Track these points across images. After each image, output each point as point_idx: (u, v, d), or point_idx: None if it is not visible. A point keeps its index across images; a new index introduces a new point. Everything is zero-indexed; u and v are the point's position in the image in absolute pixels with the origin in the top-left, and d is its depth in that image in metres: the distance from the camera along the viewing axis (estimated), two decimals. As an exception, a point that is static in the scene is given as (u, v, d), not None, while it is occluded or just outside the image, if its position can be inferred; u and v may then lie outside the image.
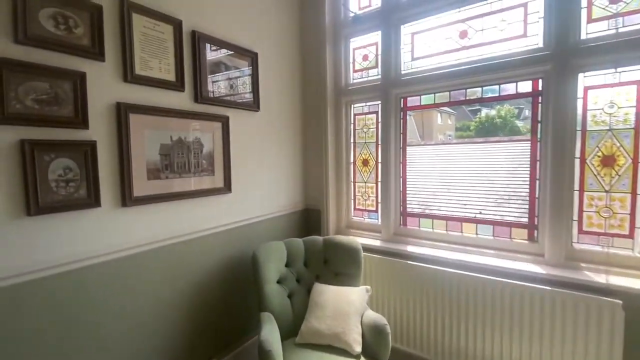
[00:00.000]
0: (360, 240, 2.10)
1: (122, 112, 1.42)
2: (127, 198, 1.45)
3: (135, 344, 1.53)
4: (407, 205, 2.21)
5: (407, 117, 2.18)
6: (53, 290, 1.25)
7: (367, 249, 2.12)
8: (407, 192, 2.20)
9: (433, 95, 2.05)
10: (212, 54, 1.81)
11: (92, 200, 1.35)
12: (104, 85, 1.37)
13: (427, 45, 2.05)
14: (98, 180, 1.35)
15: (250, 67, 2.05)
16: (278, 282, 1.89)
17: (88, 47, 1.31)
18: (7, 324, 1.14)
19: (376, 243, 2.20)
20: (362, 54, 2.35)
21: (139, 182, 1.50)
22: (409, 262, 1.96)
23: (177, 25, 1.62)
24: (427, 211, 2.14)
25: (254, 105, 2.09)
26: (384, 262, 2.05)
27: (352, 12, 2.31)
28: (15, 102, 1.14)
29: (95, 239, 1.37)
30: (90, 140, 1.33)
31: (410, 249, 2.06)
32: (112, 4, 1.39)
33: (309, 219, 2.56)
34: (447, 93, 2.00)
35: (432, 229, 2.10)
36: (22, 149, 1.15)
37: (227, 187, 1.93)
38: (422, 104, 2.12)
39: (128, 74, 1.43)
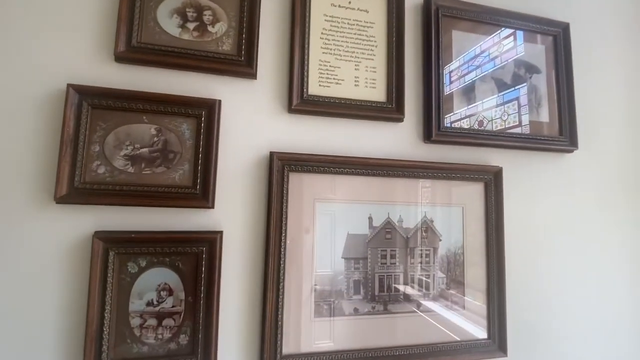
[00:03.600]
0: None
1: (275, 171, 0.68)
2: (271, 358, 0.64)
3: None
4: None
5: None
6: None
7: None
8: None
9: None
10: (461, 40, 0.85)
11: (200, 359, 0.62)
12: (248, 122, 0.71)
13: None
14: (216, 317, 0.63)
15: (554, 56, 0.90)
16: None
17: (230, 56, 0.70)
18: None
19: None
20: None
21: (296, 324, 0.67)
22: None
23: (392, -6, 0.80)
24: None
25: (561, 138, 0.89)
26: None
27: None
28: (99, 163, 0.62)
29: None
30: (212, 230, 0.66)
31: None
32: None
33: None
34: None
35: None
36: (94, 250, 0.59)
37: (496, 343, 0.77)
38: None
39: (295, 97, 0.71)
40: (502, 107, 0.86)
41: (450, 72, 0.83)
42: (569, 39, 0.92)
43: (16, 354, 0.57)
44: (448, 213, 0.79)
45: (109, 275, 0.59)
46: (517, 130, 0.86)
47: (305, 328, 0.67)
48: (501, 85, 0.86)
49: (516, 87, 0.88)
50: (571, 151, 0.89)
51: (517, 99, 0.87)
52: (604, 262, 0.91)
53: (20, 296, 0.58)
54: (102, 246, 0.60)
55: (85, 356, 0.57)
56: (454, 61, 0.84)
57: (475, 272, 0.79)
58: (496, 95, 0.86)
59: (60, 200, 0.58)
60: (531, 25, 0.89)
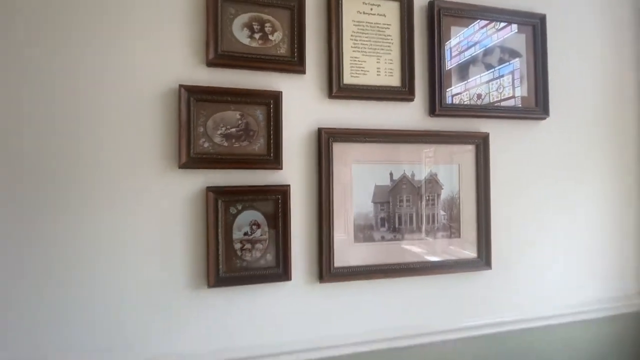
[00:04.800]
0: None
1: (323, 142, 0.95)
2: (324, 269, 0.95)
3: None
4: None
5: None
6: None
7: None
8: None
9: None
10: (458, 35, 1.09)
11: (281, 270, 0.93)
12: (302, 107, 0.97)
13: None
14: (289, 242, 0.93)
15: (533, 42, 1.14)
16: None
17: (286, 57, 0.95)
18: None
19: None
20: None
21: (342, 246, 0.97)
22: None
23: (404, -1, 1.03)
24: None
25: (536, 109, 1.14)
26: None
27: None
28: (203, 140, 0.89)
29: (279, 328, 0.93)
30: (282, 184, 0.94)
31: None
32: (319, -9, 0.99)
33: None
34: None
35: None
36: (206, 199, 0.88)
37: (483, 260, 1.08)
38: None
39: (334, 86, 0.97)
40: (498, 80, 1.11)
41: (450, 60, 1.08)
42: (545, 28, 1.14)
43: (157, 272, 0.87)
44: (448, 169, 1.07)
45: (219, 215, 0.89)
46: (510, 102, 1.11)
47: (348, 249, 0.97)
48: (489, 68, 1.11)
49: (509, 63, 1.12)
50: (544, 118, 1.15)
51: (512, 72, 1.12)
52: (570, 203, 1.20)
53: (160, 231, 0.87)
54: (213, 196, 0.88)
55: (209, 269, 0.87)
56: (453, 51, 1.08)
57: (469, 210, 1.08)
58: (492, 70, 1.10)
59: (182, 166, 0.86)
60: (514, 18, 1.12)
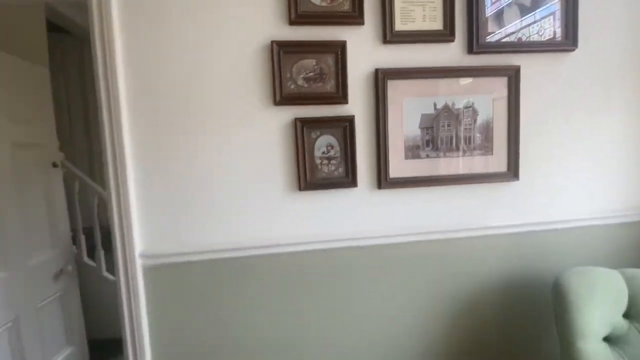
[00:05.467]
0: None
1: (379, 80, 1.22)
2: (382, 179, 1.26)
3: (377, 345, 1.34)
4: None
5: None
6: (299, 263, 1.27)
7: None
8: None
9: None
10: (496, -21, 1.25)
11: (350, 179, 1.25)
12: (362, 52, 1.22)
13: None
14: (355, 158, 1.24)
15: (564, -21, 1.27)
16: (606, 339, 1.08)
17: (348, 12, 1.20)
18: (269, 286, 1.26)
19: None
20: None
21: (395, 162, 1.26)
22: None
23: (447, -48, 1.21)
24: None
25: (566, 41, 1.30)
26: None
27: None
28: (290, 83, 1.20)
29: (349, 221, 1.28)
30: (348, 115, 1.23)
31: None
32: (373, -46, 1.20)
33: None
34: None
35: None
36: (295, 128, 1.21)
37: (512, 173, 1.32)
38: None
39: (387, 33, 1.21)
40: (532, 16, 1.27)
41: (487, 4, 1.25)
42: (579, -38, 1.26)
43: (263, 181, 1.22)
44: (483, 98, 1.29)
45: (304, 139, 1.21)
46: (539, 38, 1.28)
47: (400, 164, 1.27)
48: (523, 10, 1.27)
49: (547, 6, 1.27)
50: (573, 50, 1.30)
51: (553, 13, 1.27)
52: (594, 125, 1.37)
53: (263, 151, 1.22)
54: (299, 125, 1.21)
55: (299, 178, 1.22)
56: (489, -6, 1.25)
57: (501, 132, 1.30)
58: (527, 15, 1.27)
59: (277, 103, 1.19)
60: (549, -43, 1.25)
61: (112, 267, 2.33)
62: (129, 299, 1.18)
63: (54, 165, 1.94)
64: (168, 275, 1.20)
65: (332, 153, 1.24)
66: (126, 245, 1.16)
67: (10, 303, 1.58)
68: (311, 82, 1.21)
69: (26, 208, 1.70)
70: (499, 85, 1.29)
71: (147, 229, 1.18)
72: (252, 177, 1.22)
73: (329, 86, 1.22)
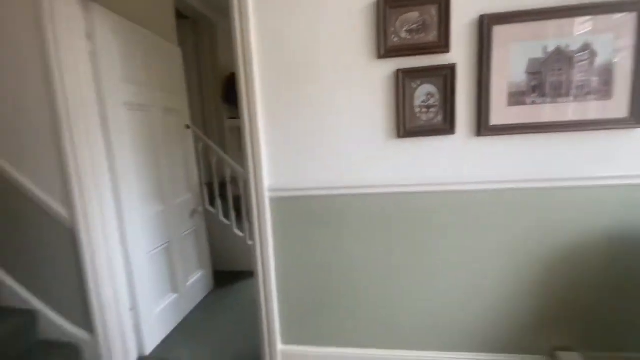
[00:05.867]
0: None
1: (484, 27, 1.23)
2: (482, 126, 1.30)
3: (469, 291, 1.42)
4: None
5: None
6: (395, 204, 1.40)
7: None
8: None
9: None
10: None
11: (448, 126, 1.32)
12: (465, 0, 1.25)
13: None
14: (455, 106, 1.30)
15: None
16: None
17: (454, -40, 1.22)
18: (380, 223, 1.43)
19: None
20: None
21: (497, 108, 1.29)
22: None
23: None
24: None
25: None
26: None
27: None
28: (394, 36, 1.30)
29: (448, 167, 1.36)
30: (450, 63, 1.29)
31: None
32: None
33: None
34: None
35: None
36: (396, 78, 1.32)
37: (634, 118, 1.22)
38: None
39: (494, -23, 1.21)
40: None
41: None
42: None
43: (365, 128, 1.37)
44: (605, 38, 1.20)
45: (405, 88, 1.32)
46: None
47: (502, 111, 1.28)
48: None
49: None
50: None
51: None
52: None
53: (367, 101, 1.36)
54: (401, 75, 1.31)
55: (399, 126, 1.33)
56: None
57: (623, 74, 1.21)
58: None
59: (381, 57, 1.30)
60: None
61: (227, 213, 2.81)
62: (259, 223, 1.48)
63: (187, 127, 2.41)
64: (288, 206, 1.47)
65: (431, 101, 1.32)
66: (257, 180, 1.45)
67: (167, 229, 2.08)
68: (414, 34, 1.29)
69: (172, 159, 2.17)
70: (623, 22, 1.18)
71: (272, 168, 1.45)
72: (357, 124, 1.38)
73: (431, 36, 1.28)
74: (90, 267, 1.59)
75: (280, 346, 1.59)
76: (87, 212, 1.56)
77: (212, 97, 3.50)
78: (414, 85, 1.32)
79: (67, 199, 1.55)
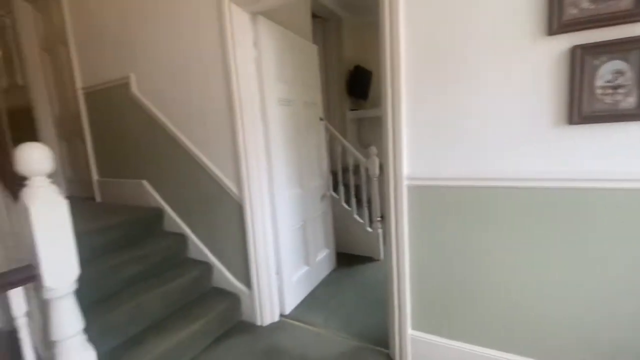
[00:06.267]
0: None
1: None
2: (698, 109, 1.03)
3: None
4: None
5: None
6: (566, 202, 1.22)
7: None
8: None
9: None
10: None
11: (642, 111, 1.09)
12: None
13: None
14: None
15: None
16: None
17: None
18: (540, 220, 1.30)
19: None
20: None
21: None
22: None
23: None
24: None
25: None
26: None
27: None
28: (571, 8, 1.13)
29: (633, 158, 1.13)
30: None
31: None
32: None
33: None
34: None
35: None
36: (572, 56, 1.15)
37: None
38: None
39: None
40: None
41: None
42: None
43: (526, 111, 1.24)
44: None
45: (585, 66, 1.14)
46: None
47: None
48: None
49: None
50: None
51: None
52: None
53: (530, 82, 1.23)
54: (579, 52, 1.14)
55: (572, 108, 1.17)
56: None
57: None
58: None
59: (553, 33, 1.16)
60: None
61: (347, 200, 2.99)
62: (396, 211, 1.54)
63: (321, 119, 2.63)
64: (427, 195, 1.47)
65: (619, 81, 1.11)
66: (397, 168, 1.50)
67: (304, 209, 2.35)
68: (599, 3, 1.10)
69: (308, 148, 2.42)
70: None
71: (412, 156, 1.48)
72: (512, 110, 1.27)
73: (624, 3, 1.07)
74: (251, 234, 1.94)
75: (410, 330, 1.63)
76: (251, 190, 1.90)
77: (336, 91, 3.71)
78: (596, 62, 1.13)
79: (237, 178, 1.92)
